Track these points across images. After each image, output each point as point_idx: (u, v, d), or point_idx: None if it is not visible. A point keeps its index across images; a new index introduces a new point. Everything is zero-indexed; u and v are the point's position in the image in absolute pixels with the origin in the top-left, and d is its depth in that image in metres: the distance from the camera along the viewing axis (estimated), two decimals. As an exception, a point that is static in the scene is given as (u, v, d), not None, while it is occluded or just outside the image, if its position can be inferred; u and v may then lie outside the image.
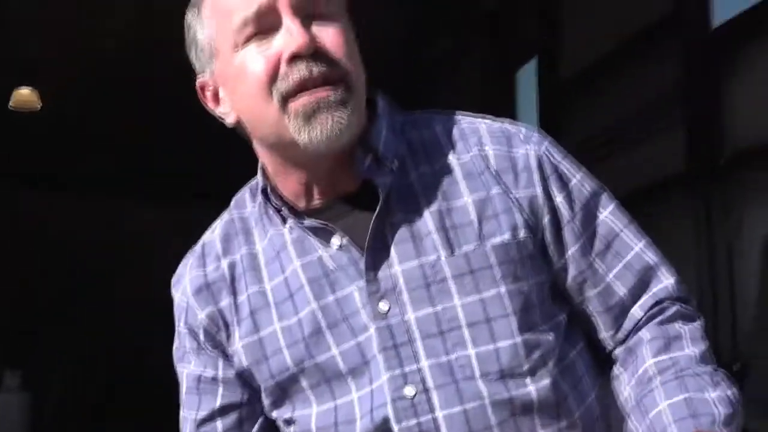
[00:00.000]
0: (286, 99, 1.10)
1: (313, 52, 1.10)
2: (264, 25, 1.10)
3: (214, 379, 1.22)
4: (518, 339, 1.15)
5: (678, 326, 1.26)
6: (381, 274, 1.15)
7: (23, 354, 8.46)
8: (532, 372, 1.16)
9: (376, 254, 1.15)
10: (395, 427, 1.12)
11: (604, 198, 1.29)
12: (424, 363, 1.13)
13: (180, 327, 1.25)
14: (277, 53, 1.09)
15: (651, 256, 1.29)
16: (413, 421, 1.12)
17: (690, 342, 1.25)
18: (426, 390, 1.13)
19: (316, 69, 1.09)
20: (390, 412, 1.13)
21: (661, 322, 1.26)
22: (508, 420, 1.13)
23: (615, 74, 6.67)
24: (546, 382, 1.16)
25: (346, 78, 1.13)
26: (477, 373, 1.13)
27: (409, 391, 1.13)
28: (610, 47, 6.63)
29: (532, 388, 1.15)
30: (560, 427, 1.18)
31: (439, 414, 1.12)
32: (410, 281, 1.14)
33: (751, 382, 4.96)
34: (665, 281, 1.29)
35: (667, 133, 6.04)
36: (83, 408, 9.07)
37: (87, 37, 7.83)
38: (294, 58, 1.09)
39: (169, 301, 1.25)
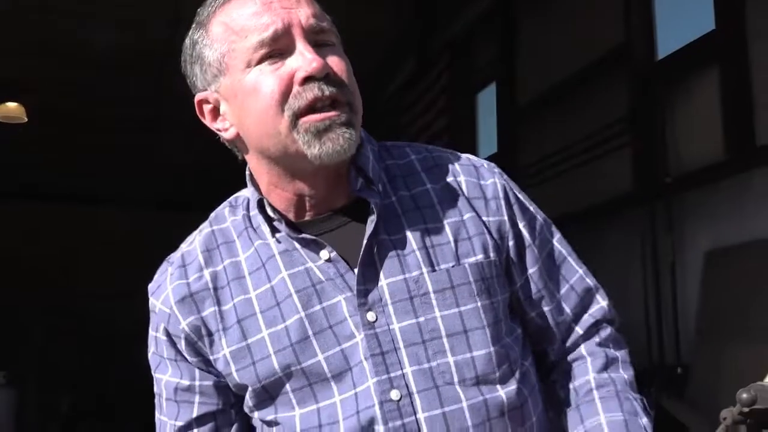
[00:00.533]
0: (297, 116, 1.11)
1: (325, 75, 1.12)
2: (278, 47, 1.11)
3: (191, 388, 1.21)
4: (492, 349, 1.18)
5: (614, 350, 1.33)
6: (369, 287, 1.16)
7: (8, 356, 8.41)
8: (502, 379, 1.19)
9: (366, 269, 1.17)
10: (382, 427, 1.13)
11: (553, 227, 1.35)
12: (408, 369, 1.14)
13: (158, 334, 1.23)
14: (290, 73, 1.10)
15: (590, 281, 1.35)
16: (398, 422, 1.13)
17: (623, 366, 1.32)
18: (410, 394, 1.14)
19: (327, 91, 1.11)
20: (377, 413, 1.13)
21: (600, 344, 1.32)
22: (484, 422, 1.16)
23: (568, 99, 6.73)
24: (513, 387, 1.20)
25: (351, 101, 1.15)
26: (455, 379, 1.15)
27: (394, 394, 1.14)
28: (564, 74, 6.69)
29: (502, 393, 1.18)
30: (525, 428, 1.21)
31: (422, 416, 1.13)
32: (395, 294, 1.16)
33: (691, 384, 5.03)
34: (602, 303, 1.35)
35: (615, 155, 6.10)
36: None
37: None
38: (307, 79, 1.10)
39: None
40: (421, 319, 1.16)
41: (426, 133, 8.99)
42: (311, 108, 1.11)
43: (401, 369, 1.14)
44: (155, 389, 1.25)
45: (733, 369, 4.49)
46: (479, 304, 1.18)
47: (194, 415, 1.21)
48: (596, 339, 1.32)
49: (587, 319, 1.32)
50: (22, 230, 11.09)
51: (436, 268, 1.18)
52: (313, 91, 1.10)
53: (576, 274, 1.33)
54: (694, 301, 5.28)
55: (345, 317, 1.15)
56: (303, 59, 1.11)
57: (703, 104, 5.40)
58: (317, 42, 1.14)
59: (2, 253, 10.72)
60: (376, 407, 1.13)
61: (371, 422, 1.13)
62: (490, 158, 6.63)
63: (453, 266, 1.19)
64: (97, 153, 10.06)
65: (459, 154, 1.34)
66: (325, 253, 1.16)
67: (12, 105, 8.49)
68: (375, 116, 9.87)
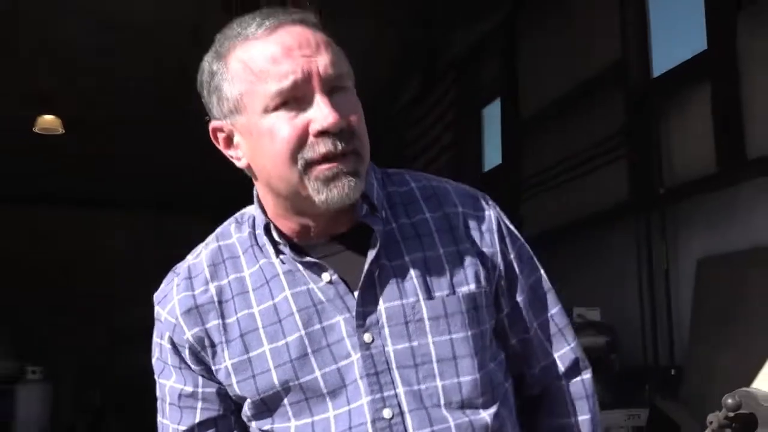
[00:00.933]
0: (309, 165, 1.10)
1: (339, 130, 1.10)
2: (295, 96, 1.09)
3: (194, 395, 1.20)
4: (477, 376, 1.17)
5: (589, 402, 1.32)
6: (368, 309, 1.15)
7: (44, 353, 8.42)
8: (485, 403, 1.18)
9: (366, 293, 1.16)
10: None
11: (536, 262, 1.33)
12: (400, 389, 1.14)
13: (163, 341, 1.22)
14: (305, 124, 1.09)
15: (565, 317, 1.34)
16: None
17: (592, 424, 1.31)
18: (401, 413, 1.14)
19: (340, 145, 1.10)
20: (369, 430, 1.13)
21: (578, 393, 1.31)
22: None
23: (567, 114, 6.71)
24: (494, 410, 1.19)
25: (359, 151, 1.13)
26: (442, 402, 1.15)
27: (387, 413, 1.14)
28: (564, 90, 6.68)
29: (485, 415, 1.18)
30: None
31: None
32: (392, 318, 1.15)
33: (684, 385, 4.99)
34: (575, 341, 1.34)
35: (612, 166, 6.08)
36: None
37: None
38: (322, 132, 1.09)
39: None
40: (415, 343, 1.15)
41: (435, 147, 8.98)
42: (324, 159, 1.10)
43: (394, 389, 1.14)
44: (158, 393, 1.24)
45: (723, 371, 4.46)
46: (469, 333, 1.18)
47: (197, 420, 1.21)
48: (577, 385, 1.31)
49: (568, 354, 1.31)
50: (57, 233, 11.15)
51: (432, 295, 1.17)
52: (326, 146, 1.09)
53: (556, 306, 1.32)
54: (686, 305, 5.24)
55: (343, 337, 1.15)
56: (320, 113, 1.09)
57: (695, 119, 5.37)
58: (333, 88, 1.12)
59: (39, 254, 10.78)
60: (368, 424, 1.13)
61: None
62: (495, 169, 6.69)
63: (447, 295, 1.18)
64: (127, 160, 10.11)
65: (456, 184, 1.31)
66: (326, 276, 1.15)
67: (49, 117, 8.54)
68: (384, 131, 9.93)
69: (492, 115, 8.22)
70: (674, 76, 5.65)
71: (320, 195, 1.11)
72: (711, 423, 3.63)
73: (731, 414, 3.55)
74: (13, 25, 7.06)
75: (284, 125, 1.10)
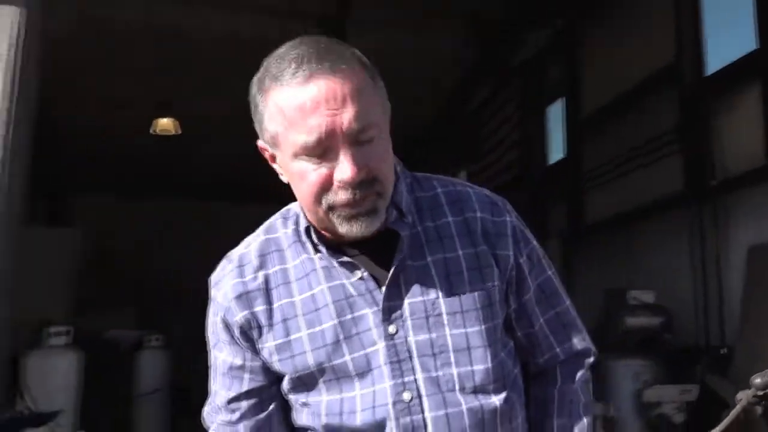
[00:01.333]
0: (332, 206, 1.11)
1: (361, 182, 1.10)
2: (320, 148, 1.08)
3: (242, 367, 1.23)
4: (489, 365, 1.19)
5: (583, 394, 1.30)
6: (393, 304, 1.17)
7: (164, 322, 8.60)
8: (496, 389, 1.20)
9: (391, 289, 1.18)
10: (393, 422, 1.16)
11: (547, 262, 1.32)
12: (420, 375, 1.16)
13: (216, 319, 1.24)
14: (328, 174, 1.09)
15: (573, 313, 1.32)
16: (408, 419, 1.16)
17: (584, 411, 1.30)
18: (419, 396, 1.16)
19: (360, 194, 1.10)
20: (390, 410, 1.16)
21: (575, 382, 1.30)
22: (479, 422, 1.18)
23: (626, 112, 6.56)
24: (504, 395, 1.21)
25: (380, 191, 1.13)
26: (457, 387, 1.17)
27: (406, 396, 1.16)
28: (622, 90, 6.53)
29: (495, 400, 1.19)
30: (512, 427, 1.22)
31: (428, 415, 1.16)
32: (414, 313, 1.17)
33: (733, 363, 4.84)
34: (583, 334, 1.32)
35: (667, 160, 5.92)
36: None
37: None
38: (343, 184, 1.09)
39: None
40: (434, 335, 1.17)
41: (504, 143, 8.92)
42: (344, 204, 1.11)
43: (414, 375, 1.16)
44: (211, 362, 1.28)
45: (770, 351, 4.31)
46: (483, 327, 1.19)
47: (243, 389, 1.24)
48: (574, 374, 1.30)
49: (569, 347, 1.30)
50: (181, 222, 11.48)
51: (450, 293, 1.18)
52: (346, 194, 1.09)
53: (563, 304, 1.31)
54: (737, 290, 5.08)
55: (370, 327, 1.17)
56: (341, 168, 1.08)
57: (745, 116, 5.18)
58: (358, 141, 1.09)
59: (164, 240, 11.09)
60: (390, 405, 1.16)
61: (384, 417, 1.16)
62: (558, 163, 6.62)
63: (464, 293, 1.19)
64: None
65: (479, 190, 1.30)
66: (358, 273, 1.17)
67: (165, 120, 8.69)
68: (460, 129, 9.88)
69: (555, 113, 8.11)
70: (726, 75, 5.45)
71: (342, 228, 1.14)
72: (740, 400, 3.53)
73: (760, 392, 3.44)
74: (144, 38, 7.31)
75: (310, 173, 1.10)
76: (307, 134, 1.07)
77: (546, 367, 1.29)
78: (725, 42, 5.74)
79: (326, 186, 1.10)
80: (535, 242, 1.28)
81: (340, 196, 1.10)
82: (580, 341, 1.30)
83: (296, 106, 1.07)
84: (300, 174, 1.11)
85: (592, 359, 1.31)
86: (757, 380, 3.64)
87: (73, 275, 8.51)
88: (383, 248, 1.18)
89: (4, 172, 2.49)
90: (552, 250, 7.73)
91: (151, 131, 8.78)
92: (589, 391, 1.30)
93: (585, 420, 1.28)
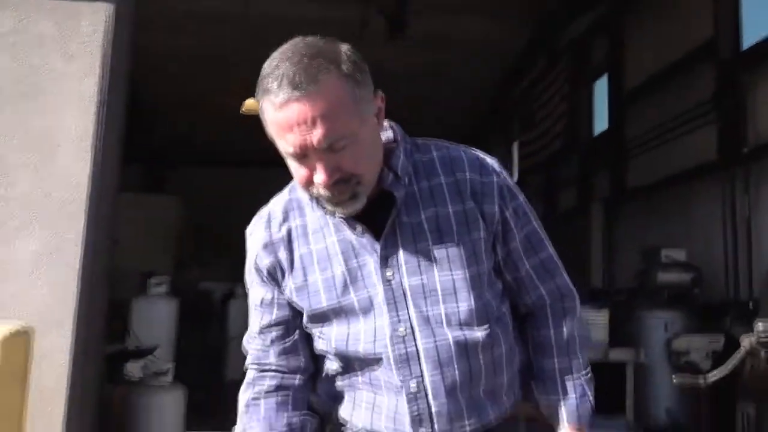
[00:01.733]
0: (318, 197, 1.21)
1: (334, 184, 1.17)
2: (299, 156, 1.15)
3: (271, 302, 1.33)
4: (472, 305, 1.26)
5: (576, 331, 1.34)
6: (390, 253, 1.25)
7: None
8: (479, 323, 1.27)
9: (388, 241, 1.25)
10: (390, 349, 1.24)
11: (533, 215, 1.35)
12: (413, 313, 1.24)
13: (250, 264, 1.33)
14: (310, 174, 1.17)
15: (557, 260, 1.35)
16: (402, 348, 1.24)
17: (581, 348, 1.34)
18: (412, 330, 1.24)
19: (336, 191, 1.17)
20: (387, 341, 1.24)
21: (565, 320, 1.34)
22: (463, 352, 1.26)
23: (665, 86, 6.40)
24: (486, 329, 1.27)
25: (359, 181, 1.19)
26: (444, 322, 1.25)
27: (401, 329, 1.24)
28: (662, 64, 6.36)
29: (479, 333, 1.27)
30: (494, 356, 1.29)
31: (420, 345, 1.24)
32: (408, 260, 1.24)
33: (761, 316, 4.75)
34: (565, 277, 1.35)
35: (703, 130, 5.77)
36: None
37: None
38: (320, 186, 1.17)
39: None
40: (425, 279, 1.24)
41: (553, 115, 8.81)
42: (326, 200, 1.20)
43: (408, 313, 1.24)
44: (249, 300, 1.38)
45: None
46: (467, 272, 1.25)
47: (273, 319, 1.33)
48: (564, 315, 1.34)
49: (553, 290, 1.34)
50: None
51: (440, 243, 1.25)
52: (326, 192, 1.17)
53: (547, 252, 1.34)
54: (764, 249, 4.96)
55: (372, 272, 1.25)
56: (317, 174, 1.15)
57: (779, 87, 5.00)
58: (332, 149, 1.14)
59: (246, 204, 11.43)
60: (387, 337, 1.24)
61: (383, 345, 1.25)
62: (603, 133, 6.55)
63: (452, 245, 1.25)
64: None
65: (471, 152, 1.34)
66: (359, 228, 1.25)
67: (251, 101, 8.86)
68: (516, 103, 9.76)
69: (601, 88, 7.96)
70: (761, 49, 5.25)
71: (330, 210, 1.24)
72: (745, 345, 3.50)
73: (763, 338, 3.41)
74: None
75: (297, 170, 1.20)
76: (287, 146, 1.16)
77: (534, 308, 1.35)
78: (761, 19, 5.52)
79: (309, 182, 1.19)
80: (521, 198, 1.33)
81: (321, 192, 1.19)
82: (563, 285, 1.34)
83: (276, 123, 1.15)
84: (291, 167, 1.22)
85: (577, 300, 1.35)
86: (760, 326, 3.61)
87: (171, 237, 8.87)
88: (382, 206, 1.26)
89: (100, 142, 2.67)
90: (595, 214, 7.64)
91: (241, 111, 9.00)
92: (582, 327, 1.35)
93: (579, 356, 1.33)
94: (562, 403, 1.30)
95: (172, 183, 12.31)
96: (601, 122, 7.93)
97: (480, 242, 1.26)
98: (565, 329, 1.33)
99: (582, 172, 8.16)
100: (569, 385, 1.31)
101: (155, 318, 5.28)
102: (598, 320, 4.89)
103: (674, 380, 4.15)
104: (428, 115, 9.45)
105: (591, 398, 1.32)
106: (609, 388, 4.94)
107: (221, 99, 9.06)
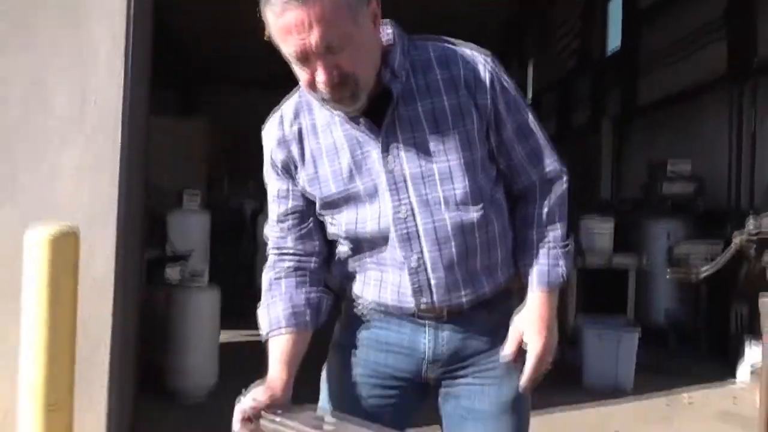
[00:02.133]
0: (322, 99, 1.23)
1: (334, 83, 1.19)
2: (301, 60, 1.17)
3: (287, 192, 1.37)
4: (467, 187, 1.29)
5: (557, 206, 1.36)
6: (390, 143, 1.27)
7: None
8: (474, 203, 1.31)
9: (388, 132, 1.27)
10: (393, 229, 1.30)
11: (525, 106, 1.37)
12: (413, 197, 1.29)
13: (267, 160, 1.37)
14: (311, 77, 1.19)
15: (548, 146, 1.37)
16: (403, 227, 1.30)
17: (559, 220, 1.36)
18: (413, 212, 1.29)
19: (337, 91, 1.20)
20: (390, 222, 1.29)
21: (549, 197, 1.36)
22: (459, 230, 1.31)
23: (675, 4, 6.23)
24: (480, 210, 1.31)
25: (356, 81, 1.21)
26: (442, 204, 1.29)
27: (403, 212, 1.29)
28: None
29: (474, 213, 1.31)
30: (488, 235, 1.34)
31: (420, 226, 1.30)
32: (407, 149, 1.28)
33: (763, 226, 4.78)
34: (554, 159, 1.37)
35: (713, 46, 5.63)
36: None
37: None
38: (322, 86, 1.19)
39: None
40: (423, 166, 1.28)
41: (569, 34, 8.62)
42: (328, 98, 1.21)
43: (408, 197, 1.29)
44: (268, 193, 1.42)
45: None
46: (462, 160, 1.28)
47: (289, 207, 1.38)
48: (549, 193, 1.37)
49: (543, 174, 1.37)
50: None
51: (436, 132, 1.28)
52: (328, 92, 1.20)
53: (535, 138, 1.36)
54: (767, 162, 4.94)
55: (375, 161, 1.29)
56: (318, 75, 1.18)
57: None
58: (330, 51, 1.17)
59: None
60: (390, 218, 1.29)
61: (387, 227, 1.30)
62: (617, 52, 6.41)
63: (447, 133, 1.28)
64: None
65: (465, 48, 1.35)
66: (363, 122, 1.28)
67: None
68: (531, 24, 9.49)
69: (615, 8, 7.74)
70: (773, -37, 5.07)
71: (335, 110, 1.28)
72: (736, 242, 3.56)
73: (753, 235, 3.45)
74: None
75: (301, 74, 1.22)
76: (288, 51, 1.19)
77: (525, 191, 1.38)
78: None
79: (312, 84, 1.22)
80: (513, 90, 1.35)
81: (324, 92, 1.22)
82: (552, 169, 1.37)
83: (277, 30, 1.19)
84: (296, 72, 1.25)
85: (565, 180, 1.38)
86: (751, 223, 3.65)
87: (203, 158, 8.97)
88: (383, 103, 1.29)
89: (128, 61, 2.72)
90: (605, 131, 7.59)
91: (265, 38, 8.93)
92: (564, 204, 1.38)
93: (559, 227, 1.36)
94: (535, 268, 1.35)
95: (204, 106, 12.35)
96: (614, 41, 7.76)
97: (473, 131, 1.30)
98: (547, 204, 1.37)
99: (594, 90, 8.04)
100: (543, 252, 1.35)
101: (190, 230, 5.46)
102: (603, 229, 4.95)
103: (668, 275, 4.23)
104: (443, 32, 9.27)
105: (564, 268, 1.35)
106: (612, 292, 5.06)
107: (252, 22, 8.94)
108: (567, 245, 1.37)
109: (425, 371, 1.37)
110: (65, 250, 2.35)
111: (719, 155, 5.45)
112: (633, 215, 5.49)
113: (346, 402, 1.36)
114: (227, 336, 4.26)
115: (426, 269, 1.32)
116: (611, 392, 3.94)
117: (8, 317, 2.42)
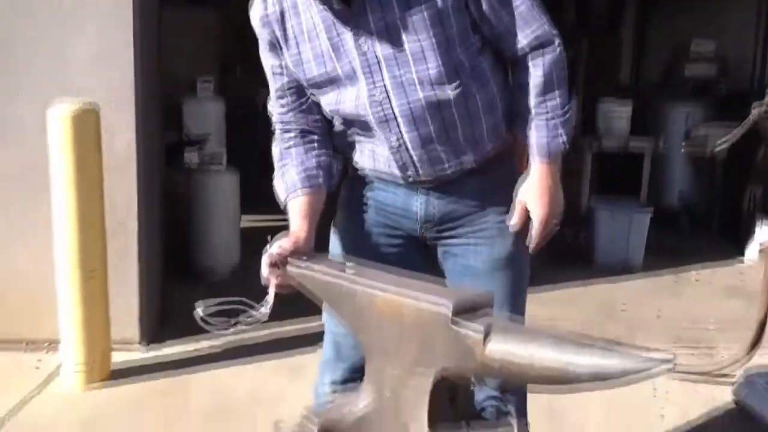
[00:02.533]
0: None
1: None
2: None
3: (281, 67, 1.42)
4: (441, 66, 1.31)
5: (554, 72, 1.35)
6: (360, 24, 1.30)
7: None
8: (450, 82, 1.32)
9: (359, 13, 1.30)
10: (369, 112, 1.34)
11: None
12: (387, 79, 1.32)
13: (258, 37, 1.42)
14: None
15: (534, 9, 1.35)
16: (379, 109, 1.34)
17: (558, 87, 1.36)
18: (387, 93, 1.33)
19: None
20: (366, 103, 1.34)
21: (543, 64, 1.35)
22: (435, 109, 1.34)
23: None
24: (459, 88, 1.33)
25: None
26: (416, 83, 1.31)
27: (378, 93, 1.33)
28: None
29: (450, 92, 1.33)
30: (468, 108, 1.36)
31: (395, 107, 1.33)
32: (379, 31, 1.30)
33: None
34: (543, 22, 1.35)
35: None
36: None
37: None
38: None
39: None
40: (395, 47, 1.30)
41: None
42: None
43: (382, 79, 1.32)
44: (265, 71, 1.46)
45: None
46: (434, 39, 1.29)
47: (285, 81, 1.43)
48: (542, 60, 1.35)
49: (532, 39, 1.34)
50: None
51: (406, 14, 1.28)
52: None
53: (524, 3, 1.34)
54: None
55: (349, 44, 1.32)
56: None
57: None
58: None
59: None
60: (366, 100, 1.33)
61: (363, 108, 1.34)
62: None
63: (417, 11, 1.28)
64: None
65: None
66: (336, 6, 1.30)
67: None
68: None
69: None
70: None
71: None
72: (754, 113, 3.53)
73: None
74: None
75: None
76: None
77: (517, 58, 1.38)
78: None
79: None
80: None
81: None
82: (542, 33, 1.35)
83: None
84: None
85: (557, 45, 1.36)
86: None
87: (217, 45, 8.81)
88: None
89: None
90: (628, 10, 7.33)
91: None
92: (561, 69, 1.37)
93: (557, 95, 1.36)
94: (534, 141, 1.37)
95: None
96: None
97: (447, 7, 1.29)
98: (542, 72, 1.35)
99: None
100: (542, 124, 1.36)
101: (205, 116, 5.48)
102: (621, 113, 4.91)
103: (682, 149, 4.23)
104: None
105: (564, 136, 1.37)
106: (628, 175, 5.08)
107: None
108: (566, 113, 1.37)
109: (420, 230, 1.46)
110: (85, 126, 2.44)
111: (746, 35, 5.29)
112: (652, 98, 5.42)
113: (355, 251, 1.45)
114: (245, 221, 4.40)
115: (407, 148, 1.37)
116: (621, 270, 4.06)
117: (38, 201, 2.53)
